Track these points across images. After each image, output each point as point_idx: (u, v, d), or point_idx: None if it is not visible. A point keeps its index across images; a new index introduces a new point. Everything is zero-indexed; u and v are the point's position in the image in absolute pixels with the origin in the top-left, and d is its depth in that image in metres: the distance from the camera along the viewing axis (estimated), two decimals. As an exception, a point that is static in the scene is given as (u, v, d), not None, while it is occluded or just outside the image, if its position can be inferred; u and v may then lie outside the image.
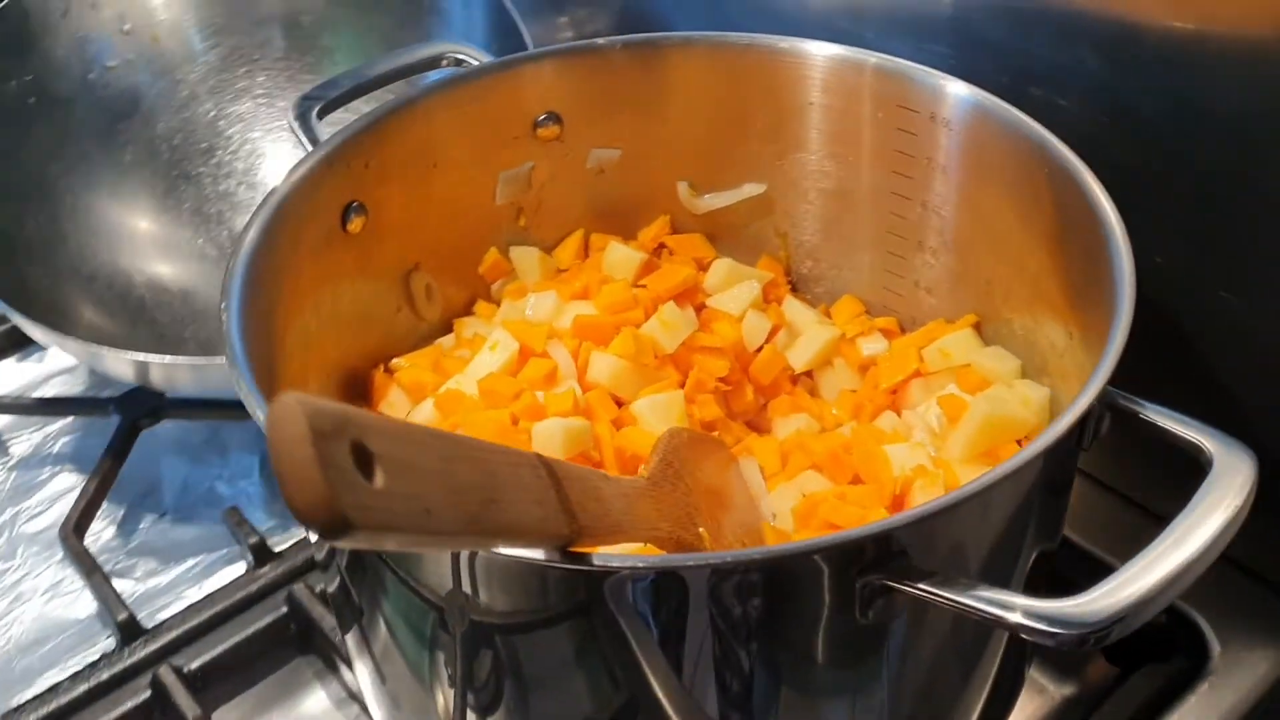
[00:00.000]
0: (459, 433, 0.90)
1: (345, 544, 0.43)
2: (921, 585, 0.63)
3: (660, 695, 0.72)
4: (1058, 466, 0.76)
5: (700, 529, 0.79)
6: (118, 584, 1.15)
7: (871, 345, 1.06)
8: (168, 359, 1.11)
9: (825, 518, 0.88)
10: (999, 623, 0.61)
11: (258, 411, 0.72)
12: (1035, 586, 0.82)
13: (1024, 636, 0.60)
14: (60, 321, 1.26)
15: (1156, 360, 1.03)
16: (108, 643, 1.11)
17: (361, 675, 0.89)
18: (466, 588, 0.69)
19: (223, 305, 0.79)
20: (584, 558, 0.62)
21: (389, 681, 0.85)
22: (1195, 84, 0.89)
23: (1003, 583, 0.78)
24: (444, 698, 0.79)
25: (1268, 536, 0.99)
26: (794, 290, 1.14)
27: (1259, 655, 0.99)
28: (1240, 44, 0.85)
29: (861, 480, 0.93)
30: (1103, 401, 0.73)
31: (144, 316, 1.37)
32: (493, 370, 0.95)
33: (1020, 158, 0.91)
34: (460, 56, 1.06)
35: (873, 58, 0.98)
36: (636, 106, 1.07)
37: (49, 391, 1.40)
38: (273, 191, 0.88)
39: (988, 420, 0.90)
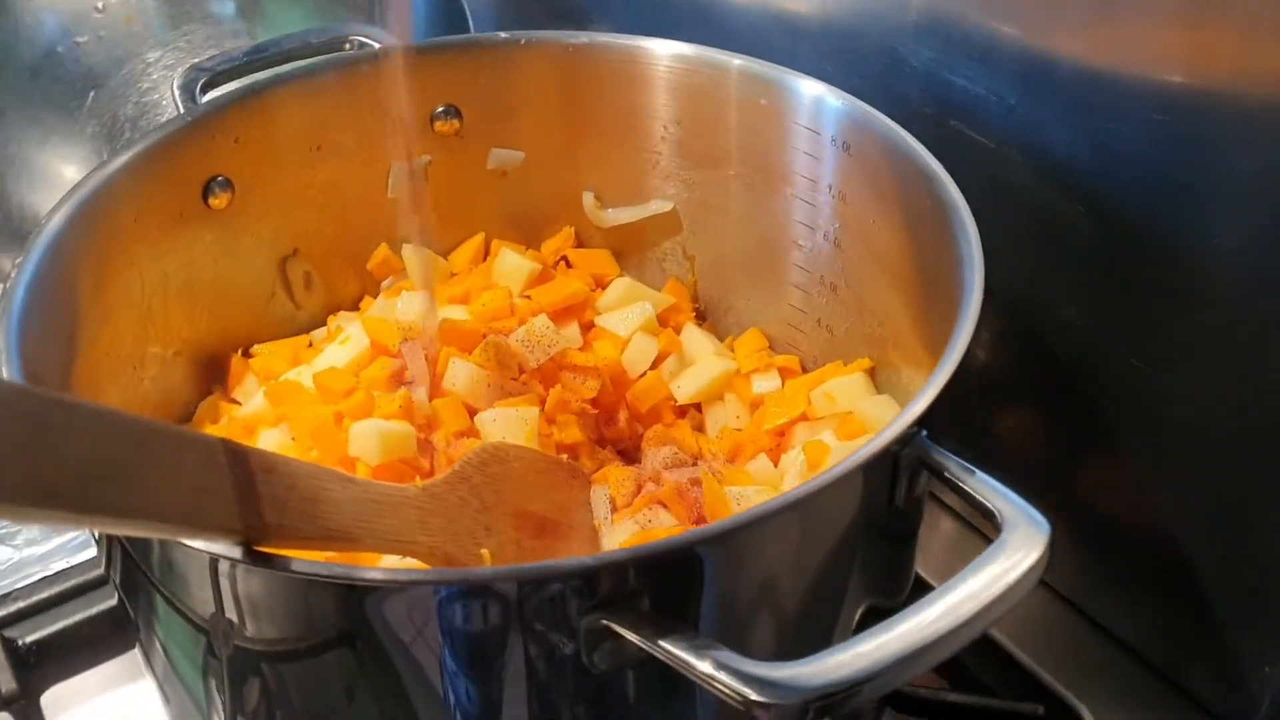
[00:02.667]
0: (279, 427, 0.86)
1: None
2: (643, 631, 0.56)
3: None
4: (872, 517, 0.68)
5: (484, 550, 0.73)
6: (-2, 551, 1.12)
7: (764, 383, 1.00)
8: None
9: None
10: (694, 675, 0.54)
11: (5, 369, 0.68)
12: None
13: (721, 697, 0.53)
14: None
15: (1064, 435, 0.95)
16: (-47, 607, 1.08)
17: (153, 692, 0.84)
18: (230, 612, 0.64)
19: (17, 260, 0.76)
20: (264, 557, 0.56)
21: (172, 703, 0.81)
22: (1110, 127, 0.82)
23: (816, 642, 0.71)
24: (219, 722, 0.74)
25: (1162, 621, 0.91)
26: (701, 319, 1.08)
27: (1153, 764, 0.90)
28: (1155, 88, 0.78)
29: (705, 521, 0.86)
30: (913, 451, 0.65)
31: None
32: (335, 365, 0.90)
33: (909, 186, 0.84)
34: (365, 40, 1.02)
35: (775, 74, 0.92)
36: (539, 108, 1.02)
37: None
38: (113, 157, 0.85)
39: (846, 470, 0.83)
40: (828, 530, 0.66)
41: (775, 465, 0.93)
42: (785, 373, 1.01)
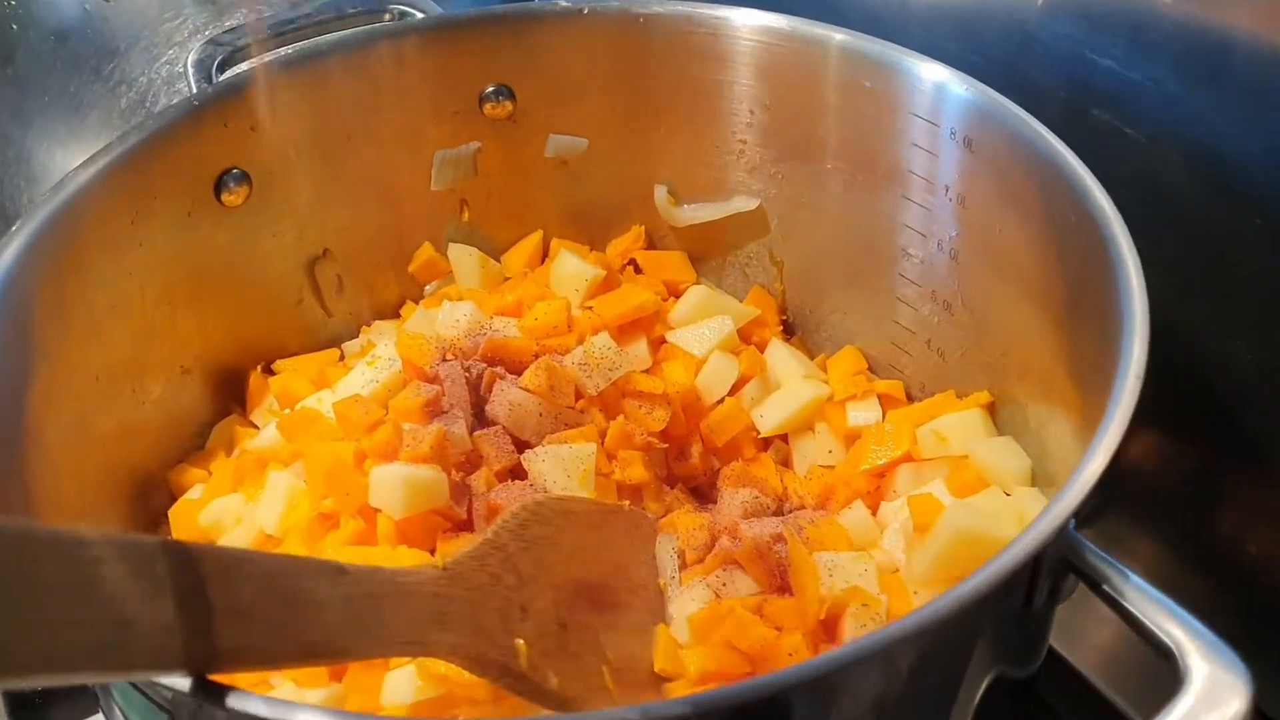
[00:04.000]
0: (292, 467, 0.74)
1: None
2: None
3: None
4: (1000, 627, 0.54)
5: (517, 640, 0.60)
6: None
7: (862, 414, 0.85)
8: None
9: (727, 637, 0.68)
10: None
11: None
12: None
13: None
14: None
15: (1236, 488, 0.80)
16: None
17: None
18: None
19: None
20: (213, 690, 0.44)
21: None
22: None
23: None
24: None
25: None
26: (789, 334, 0.93)
27: None
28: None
29: (790, 590, 0.72)
30: (1058, 550, 0.51)
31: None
32: (359, 392, 0.78)
33: (1049, 196, 0.69)
34: (407, 9, 0.89)
35: (879, 50, 0.77)
36: (606, 87, 0.88)
37: None
38: (108, 147, 0.73)
39: (963, 536, 0.69)
40: (948, 648, 0.52)
41: (874, 514, 0.79)
42: (887, 401, 0.86)
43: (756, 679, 0.45)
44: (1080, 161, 0.66)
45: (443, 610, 0.56)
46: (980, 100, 0.73)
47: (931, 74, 0.75)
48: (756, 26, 0.82)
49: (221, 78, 0.84)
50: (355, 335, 0.92)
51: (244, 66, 0.83)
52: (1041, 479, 0.74)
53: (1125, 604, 0.49)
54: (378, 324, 0.90)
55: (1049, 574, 0.52)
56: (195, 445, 0.83)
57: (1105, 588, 0.49)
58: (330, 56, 0.83)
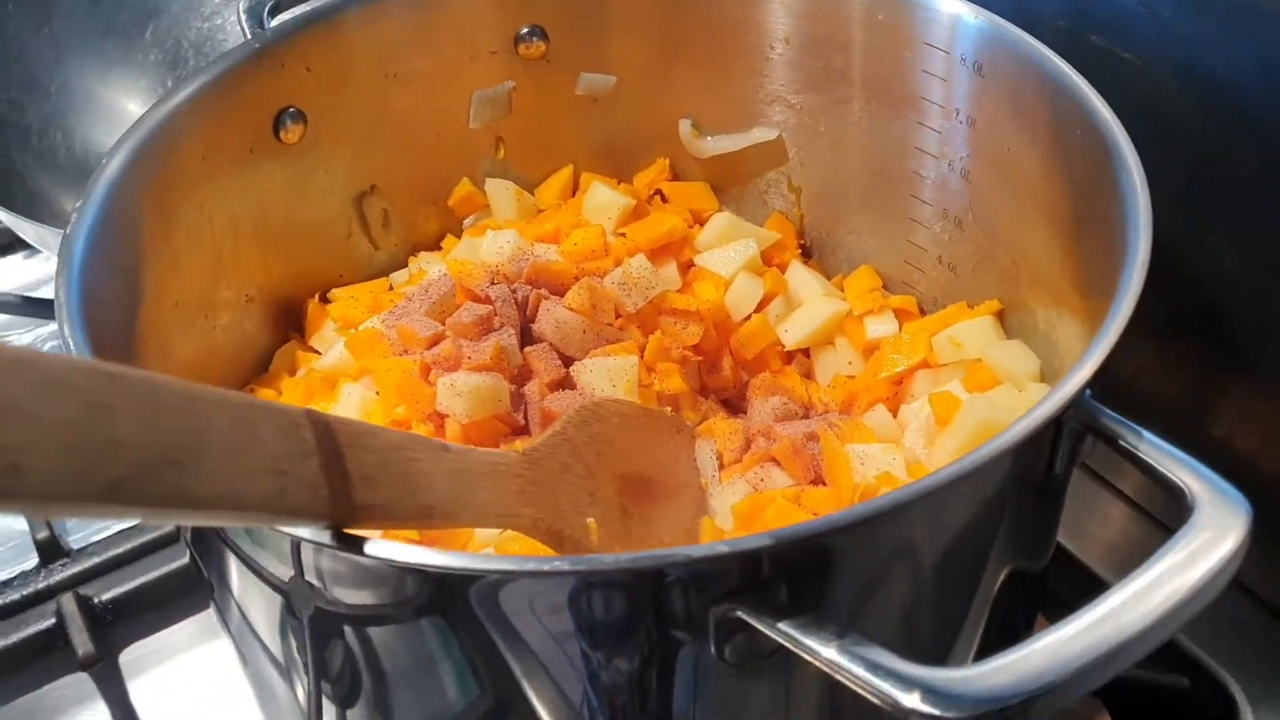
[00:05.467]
0: (362, 381, 0.79)
1: None
2: (782, 625, 0.50)
3: (530, 697, 0.60)
4: (1024, 487, 0.61)
5: (589, 519, 0.67)
6: (69, 502, 1.08)
7: (879, 326, 0.91)
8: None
9: (769, 523, 0.75)
10: (866, 688, 0.47)
11: (64, 316, 0.62)
12: (1011, 619, 0.68)
13: (895, 712, 0.46)
14: (47, 218, 1.20)
15: (1227, 386, 0.87)
16: (34, 561, 1.04)
17: (229, 653, 0.79)
18: (311, 576, 0.58)
19: (78, 204, 0.70)
20: (350, 541, 0.50)
21: (249, 664, 0.76)
22: (1283, 38, 0.72)
23: (955, 614, 0.64)
24: (302, 686, 0.69)
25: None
26: (807, 256, 0.99)
27: (1301, 732, 0.82)
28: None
29: (824, 481, 0.79)
30: (1078, 414, 0.57)
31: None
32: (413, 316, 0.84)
33: (1055, 112, 0.75)
34: (444, -44, 0.94)
35: (901, -18, 0.83)
36: (634, 26, 0.93)
37: (47, 292, 1.34)
38: (175, 88, 0.78)
39: (980, 427, 0.75)
40: (979, 502, 0.59)
41: (894, 416, 0.86)
42: (902, 315, 0.92)
43: (829, 515, 0.51)
44: (1084, 79, 0.72)
45: (525, 490, 0.62)
46: (990, 28, 0.78)
47: (944, 5, 0.81)
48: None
49: (272, 23, 0.89)
50: (398, 267, 0.97)
51: (294, 12, 0.88)
52: (1050, 376, 0.80)
53: (1140, 454, 0.55)
54: (423, 254, 0.96)
55: (1069, 436, 0.58)
56: (259, 370, 0.89)
57: (1121, 442, 0.56)
58: (372, 2, 0.88)
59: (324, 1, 0.87)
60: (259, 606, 0.68)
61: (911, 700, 0.46)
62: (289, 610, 0.63)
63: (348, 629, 0.61)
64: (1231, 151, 0.78)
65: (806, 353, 0.94)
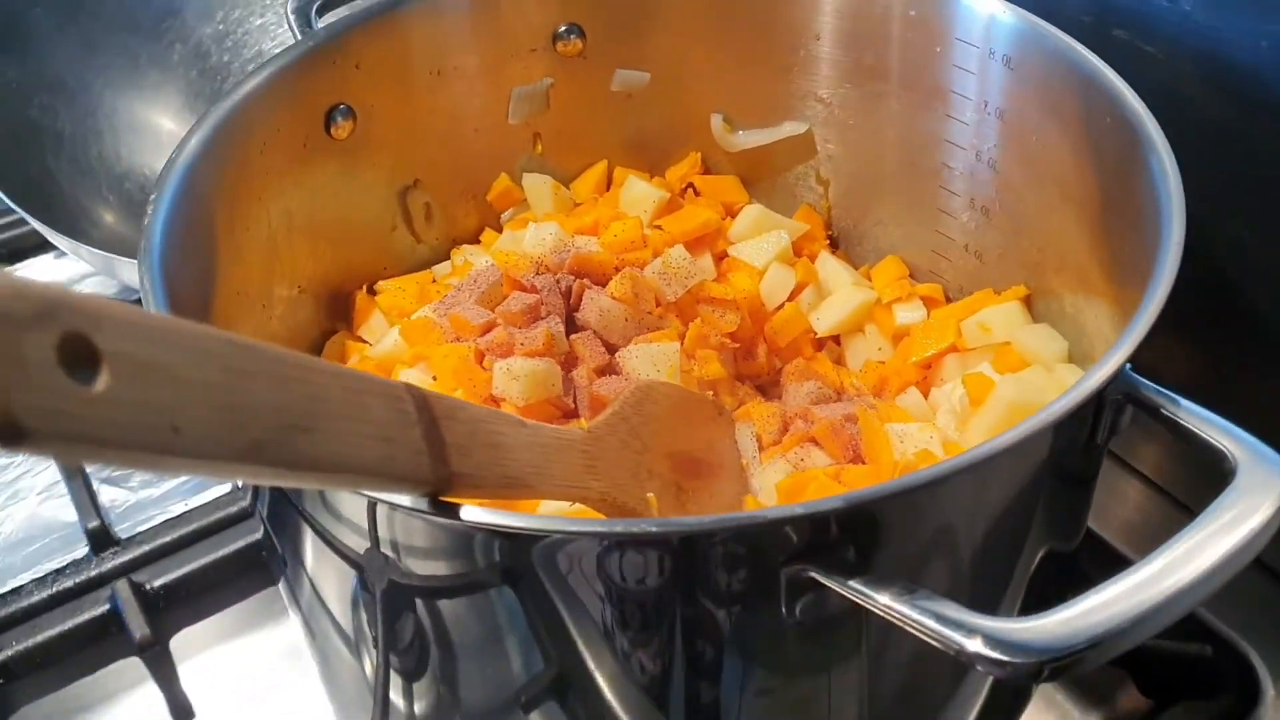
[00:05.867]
0: (418, 366, 0.82)
1: (27, 450, 0.35)
2: (852, 583, 0.53)
3: (593, 669, 0.63)
4: (1066, 459, 0.64)
5: (649, 494, 0.70)
6: (110, 492, 1.11)
7: (908, 313, 0.95)
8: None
9: (812, 498, 0.77)
10: (934, 637, 0.50)
11: (151, 306, 0.65)
12: (1044, 595, 0.71)
13: (960, 658, 0.49)
14: (82, 225, 1.23)
15: (1238, 359, 0.90)
16: (85, 550, 1.06)
17: (296, 627, 0.82)
18: (386, 548, 0.61)
19: (153, 197, 0.72)
20: (447, 508, 0.53)
21: (317, 638, 0.78)
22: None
23: (992, 587, 0.68)
24: (370, 659, 0.72)
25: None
26: (834, 247, 1.03)
27: (1321, 702, 0.85)
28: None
29: (862, 460, 0.82)
30: (1122, 389, 0.61)
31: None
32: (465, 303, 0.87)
33: (1084, 104, 0.78)
34: (484, -43, 0.97)
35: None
36: (668, 25, 0.97)
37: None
38: (238, 85, 0.81)
39: (1013, 405, 0.79)
40: (1026, 470, 0.62)
41: (925, 399, 0.89)
42: (929, 302, 0.96)
43: (898, 478, 0.54)
44: (1113, 70, 0.76)
45: (592, 464, 0.66)
46: (1020, 23, 0.82)
47: (976, 2, 0.84)
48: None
49: (320, 22, 0.92)
50: (438, 260, 1.00)
51: (342, 11, 0.91)
52: (1078, 358, 0.84)
53: (1181, 422, 0.58)
54: (465, 247, 0.99)
55: (1111, 408, 0.62)
56: (310, 358, 0.92)
57: (1163, 411, 0.59)
58: (419, 2, 0.91)
59: (372, 1, 0.89)
60: (331, 580, 0.70)
61: (976, 646, 0.49)
62: (362, 584, 0.66)
63: (419, 601, 0.64)
64: (1249, 136, 0.81)
65: (837, 339, 0.97)
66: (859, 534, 0.56)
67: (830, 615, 0.57)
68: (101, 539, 1.03)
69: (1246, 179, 0.82)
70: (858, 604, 0.53)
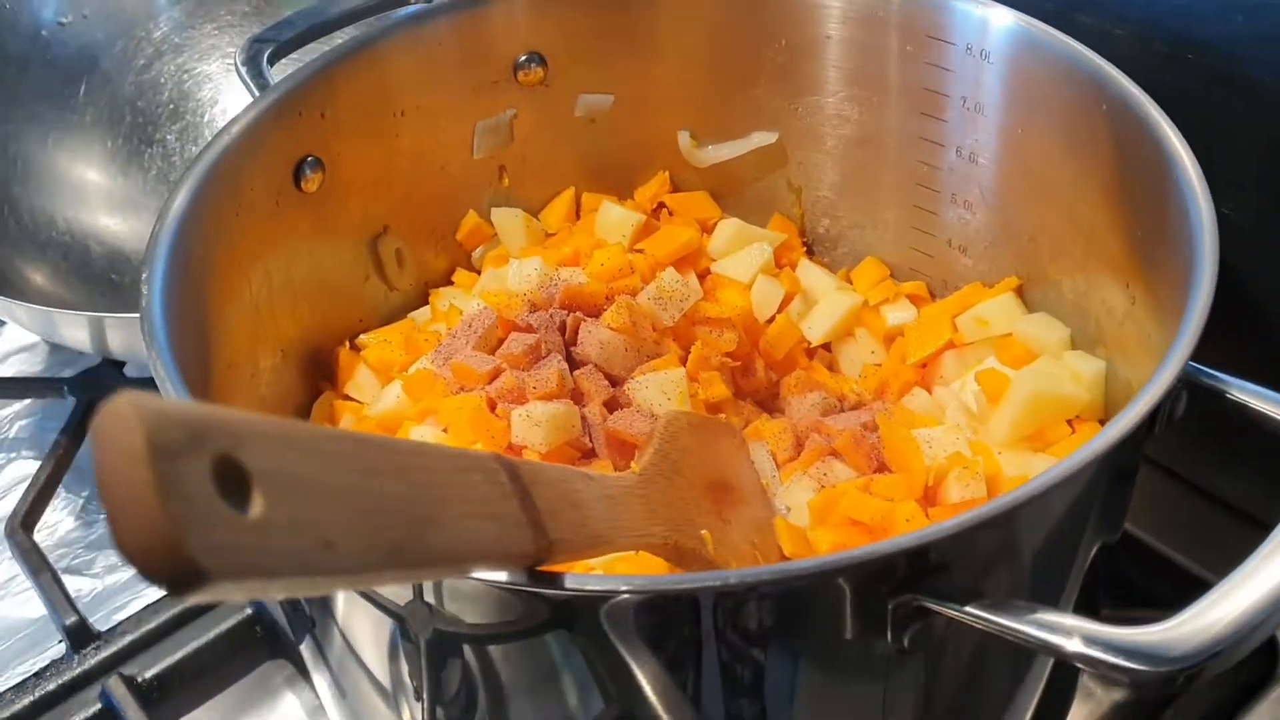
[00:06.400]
0: (426, 422, 0.79)
1: (204, 597, 0.31)
2: (969, 609, 0.52)
3: (660, 712, 0.61)
4: (1125, 456, 0.64)
5: (702, 531, 0.68)
6: (75, 581, 1.05)
7: (898, 313, 0.95)
8: (122, 315, 1.00)
9: (847, 513, 0.77)
10: (1061, 655, 0.49)
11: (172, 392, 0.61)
12: (1093, 590, 0.71)
13: (1090, 672, 0.49)
14: (11, 291, 1.16)
15: (1227, 330, 0.91)
16: (60, 647, 1.00)
17: (321, 689, 0.78)
18: (429, 598, 0.58)
19: (144, 276, 0.68)
20: (554, 579, 0.50)
21: (349, 696, 0.75)
22: (1275, 3, 0.77)
23: (1056, 587, 0.67)
24: (410, 712, 0.69)
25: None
26: (810, 253, 1.02)
27: (1338, 661, 0.87)
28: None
29: (888, 469, 0.81)
30: (1182, 379, 0.61)
31: (103, 286, 1.27)
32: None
33: (1073, 92, 0.79)
34: (431, -8, 0.94)
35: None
36: (630, 45, 0.95)
37: (4, 372, 1.29)
38: (209, 145, 0.77)
39: (1034, 398, 0.79)
40: (1095, 473, 0.62)
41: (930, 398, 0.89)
42: (915, 300, 0.96)
43: (906, 535, 0.53)
44: (1098, 55, 0.76)
45: (651, 509, 0.64)
46: (998, 17, 0.82)
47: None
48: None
49: (271, 70, 0.88)
50: (411, 307, 0.97)
51: (296, 59, 0.88)
52: (1083, 343, 0.84)
53: (1251, 405, 0.59)
54: (443, 291, 0.96)
55: (1170, 397, 0.62)
56: (298, 423, 0.88)
57: (1229, 396, 0.60)
58: (378, 42, 0.88)
59: (327, 48, 0.86)
60: (367, 633, 0.67)
61: (1117, 659, 0.48)
62: (403, 634, 0.63)
63: (466, 648, 0.61)
64: (1225, 111, 0.83)
65: (828, 347, 0.96)
66: (956, 557, 0.55)
67: (934, 638, 0.56)
68: (81, 634, 0.97)
69: (1225, 154, 0.84)
70: (977, 628, 0.52)
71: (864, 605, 0.54)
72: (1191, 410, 0.63)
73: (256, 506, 0.33)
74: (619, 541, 0.59)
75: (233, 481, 0.33)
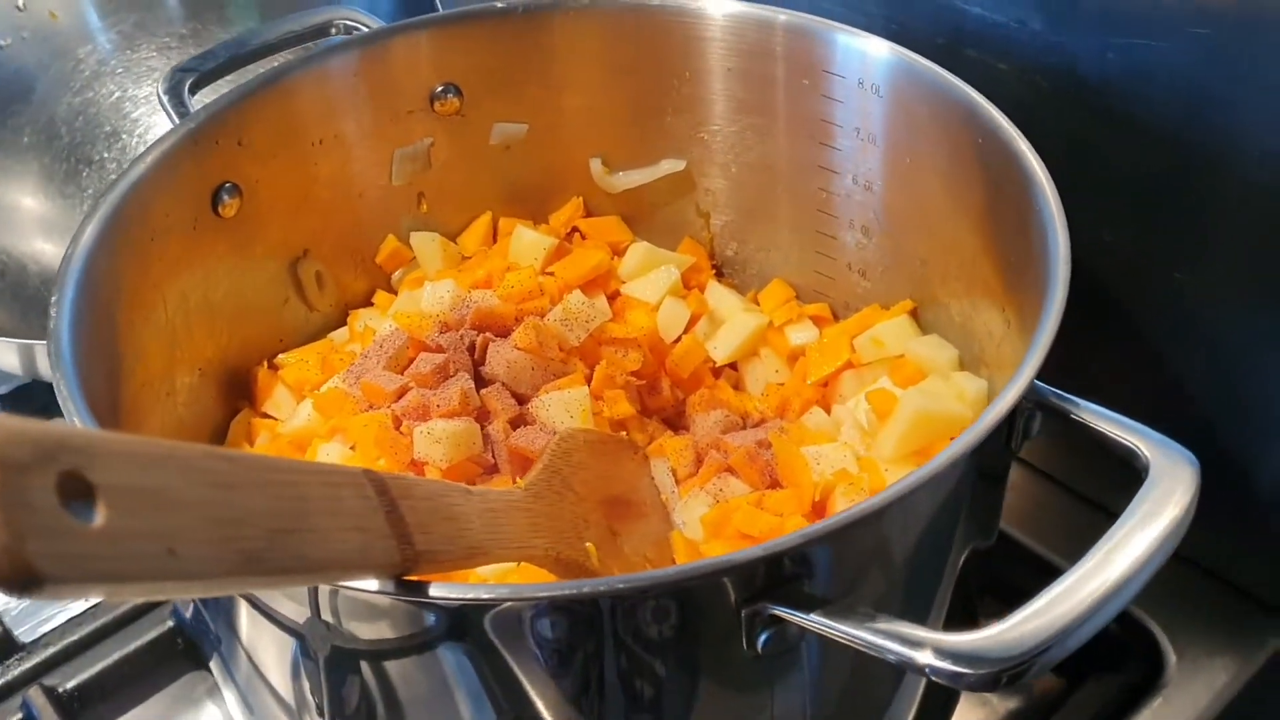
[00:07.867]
0: (335, 439, 0.82)
1: (44, 597, 0.34)
2: (813, 616, 0.55)
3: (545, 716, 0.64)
4: (985, 467, 0.68)
5: (587, 544, 0.71)
6: (2, 595, 1.07)
7: (801, 334, 0.98)
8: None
9: (739, 527, 0.80)
10: (900, 660, 0.53)
11: (75, 417, 0.63)
12: (968, 596, 0.75)
13: (930, 677, 0.52)
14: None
15: (1102, 351, 0.96)
16: (-17, 661, 1.03)
17: (230, 705, 0.81)
18: (327, 615, 0.61)
19: (53, 300, 0.71)
20: (418, 588, 0.53)
21: (256, 713, 0.78)
22: (1145, 44, 0.81)
23: (927, 593, 0.71)
24: (313, 727, 0.72)
25: (1228, 533, 0.92)
26: (719, 275, 1.06)
27: (1218, 664, 0.91)
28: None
29: (781, 484, 0.85)
30: (1031, 399, 0.65)
31: (39, 308, 1.28)
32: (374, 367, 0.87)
33: (951, 124, 0.83)
34: (351, 23, 0.97)
35: (782, 15, 0.90)
36: (541, 76, 0.98)
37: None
38: (124, 172, 0.80)
39: (919, 417, 0.82)
40: (954, 482, 0.65)
41: (828, 416, 0.93)
42: (818, 321, 1.00)
43: (820, 523, 0.56)
44: (977, 92, 0.80)
45: (535, 522, 0.67)
46: (887, 54, 0.86)
47: (840, 35, 0.88)
48: (674, 6, 0.94)
49: (193, 99, 0.91)
50: (332, 327, 1.00)
51: (218, 88, 0.91)
52: (969, 362, 0.88)
53: (1091, 425, 0.63)
54: (362, 312, 0.99)
55: (1023, 417, 0.66)
56: (217, 442, 0.90)
57: (1072, 416, 0.63)
58: (296, 72, 0.91)
59: (249, 78, 0.89)
60: (271, 652, 0.70)
61: (940, 662, 0.52)
62: (304, 651, 0.66)
63: (364, 664, 0.64)
64: (1102, 144, 0.87)
65: (734, 366, 1.00)
66: (811, 566, 0.58)
67: (788, 645, 0.59)
68: (5, 646, 1.00)
69: (1102, 183, 0.88)
70: (821, 634, 0.55)
71: (717, 614, 0.57)
72: (1049, 428, 0.67)
73: (100, 517, 0.36)
74: (498, 552, 0.62)
75: (79, 495, 0.36)
